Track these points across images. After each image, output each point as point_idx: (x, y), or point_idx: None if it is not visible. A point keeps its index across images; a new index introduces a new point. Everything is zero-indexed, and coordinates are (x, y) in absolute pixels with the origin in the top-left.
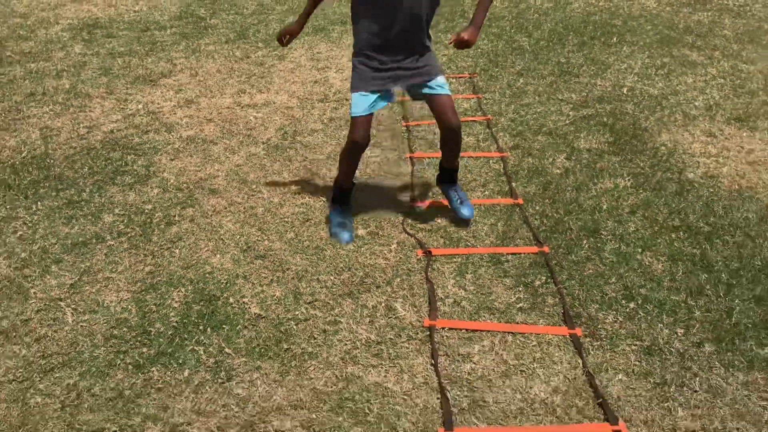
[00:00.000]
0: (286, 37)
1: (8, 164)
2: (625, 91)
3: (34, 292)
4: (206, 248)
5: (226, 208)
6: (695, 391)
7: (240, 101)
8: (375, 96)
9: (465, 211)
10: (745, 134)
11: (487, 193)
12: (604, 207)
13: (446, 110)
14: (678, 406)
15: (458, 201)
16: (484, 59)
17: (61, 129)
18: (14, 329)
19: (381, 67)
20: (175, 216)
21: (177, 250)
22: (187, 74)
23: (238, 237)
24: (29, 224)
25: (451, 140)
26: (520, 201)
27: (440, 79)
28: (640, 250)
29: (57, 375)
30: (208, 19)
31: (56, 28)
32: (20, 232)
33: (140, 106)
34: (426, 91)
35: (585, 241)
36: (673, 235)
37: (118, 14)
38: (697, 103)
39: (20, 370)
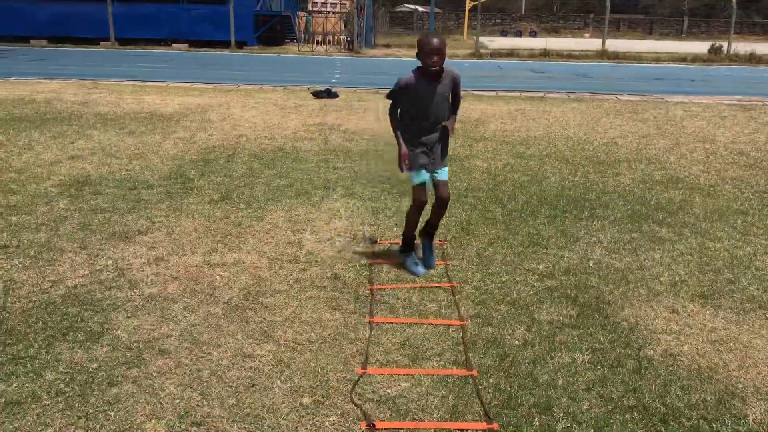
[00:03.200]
0: (403, 161)
1: None
2: (591, 264)
3: None
4: (142, 412)
5: (171, 370)
6: None
7: (209, 260)
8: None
9: (431, 263)
10: (708, 312)
11: (442, 362)
12: (560, 383)
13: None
14: None
15: (429, 251)
16: (456, 227)
17: (25, 282)
18: None
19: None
20: (118, 377)
21: (112, 413)
22: (164, 232)
23: (177, 401)
24: None
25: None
26: (474, 373)
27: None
28: (592, 430)
29: None
30: (196, 180)
31: (47, 184)
32: None
33: (110, 262)
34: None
35: (536, 419)
36: (627, 416)
37: (110, 172)
38: (662, 279)
39: None
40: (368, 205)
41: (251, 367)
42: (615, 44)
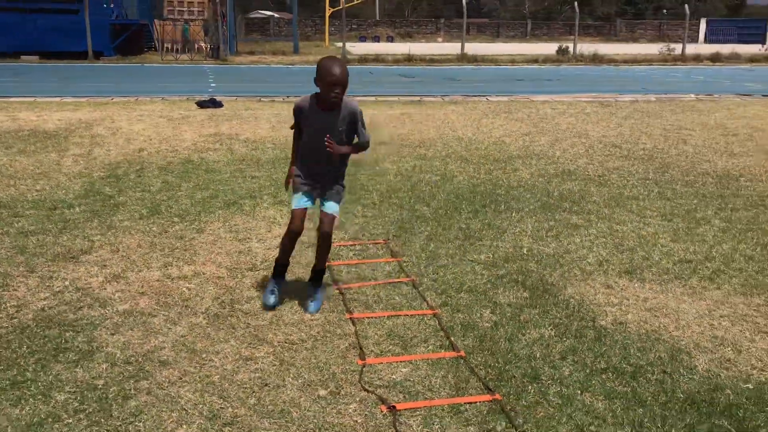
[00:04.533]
0: (290, 182)
1: None
2: (525, 252)
3: None
4: (170, 420)
5: (181, 379)
6: None
7: (169, 273)
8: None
9: (309, 306)
10: (636, 285)
11: (430, 348)
12: (537, 355)
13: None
14: None
15: (311, 295)
16: (393, 226)
17: None
18: None
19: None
20: (130, 390)
21: (140, 424)
22: (108, 250)
23: (200, 406)
24: None
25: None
26: (462, 353)
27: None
28: (579, 392)
29: None
30: (116, 197)
31: None
32: None
33: (67, 283)
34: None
35: (530, 387)
36: (603, 377)
37: (19, 193)
38: (589, 260)
39: None
40: None
41: (257, 368)
42: (472, 48)
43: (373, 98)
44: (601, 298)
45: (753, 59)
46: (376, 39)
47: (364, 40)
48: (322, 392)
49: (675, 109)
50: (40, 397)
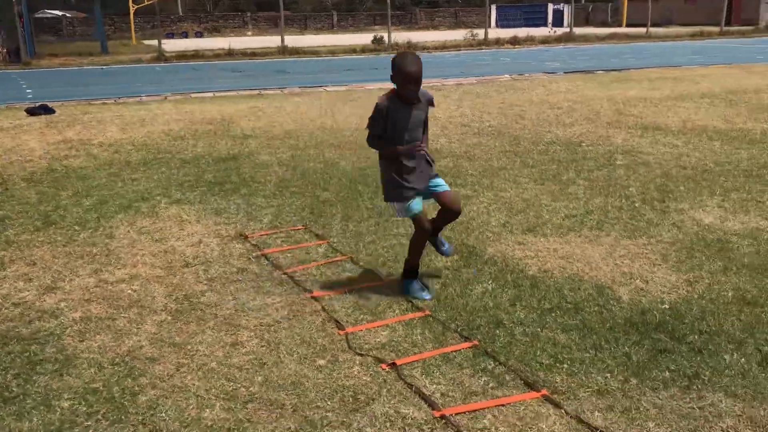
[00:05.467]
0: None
1: None
2: None
3: None
4: (190, 406)
5: (178, 370)
6: None
7: (105, 279)
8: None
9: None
10: (541, 240)
11: (397, 312)
12: (491, 305)
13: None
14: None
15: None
16: (305, 212)
17: None
18: None
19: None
20: (134, 387)
21: (163, 414)
22: (23, 264)
23: (213, 391)
24: None
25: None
26: (428, 312)
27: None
28: (539, 329)
29: None
30: None
31: None
32: None
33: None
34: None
35: (498, 331)
36: (554, 314)
37: None
38: (493, 224)
39: None
40: (202, 207)
41: (247, 351)
42: (289, 40)
43: (210, 94)
44: (518, 253)
45: (545, 41)
46: (184, 35)
47: (172, 36)
48: (321, 362)
49: (499, 89)
50: (42, 407)
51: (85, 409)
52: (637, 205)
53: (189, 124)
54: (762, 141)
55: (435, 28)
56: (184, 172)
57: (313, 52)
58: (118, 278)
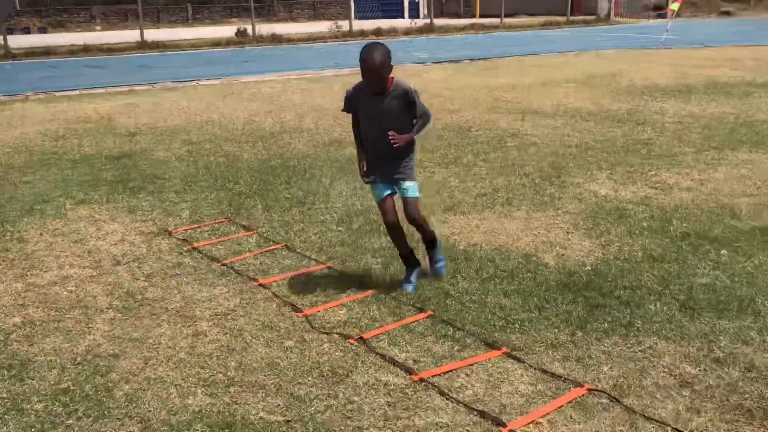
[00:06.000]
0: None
1: None
2: (359, 207)
3: None
4: (172, 395)
5: (147, 364)
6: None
7: (33, 282)
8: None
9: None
10: (461, 218)
11: (348, 292)
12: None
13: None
14: None
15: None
16: (223, 205)
17: None
18: None
19: None
20: (106, 383)
21: (146, 405)
22: None
23: (190, 379)
24: None
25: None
26: (376, 291)
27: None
28: (484, 296)
29: None
30: None
31: None
32: None
33: None
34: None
35: (448, 301)
36: (495, 281)
37: None
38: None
39: None
40: (113, 206)
41: (212, 340)
42: (147, 34)
43: (76, 92)
44: (445, 230)
45: (408, 32)
46: (26, 31)
47: (12, 33)
48: (290, 343)
49: None
50: (14, 412)
51: (61, 409)
52: (537, 181)
53: (65, 123)
54: (629, 120)
55: (294, 20)
56: (79, 172)
57: (176, 45)
58: (48, 281)
